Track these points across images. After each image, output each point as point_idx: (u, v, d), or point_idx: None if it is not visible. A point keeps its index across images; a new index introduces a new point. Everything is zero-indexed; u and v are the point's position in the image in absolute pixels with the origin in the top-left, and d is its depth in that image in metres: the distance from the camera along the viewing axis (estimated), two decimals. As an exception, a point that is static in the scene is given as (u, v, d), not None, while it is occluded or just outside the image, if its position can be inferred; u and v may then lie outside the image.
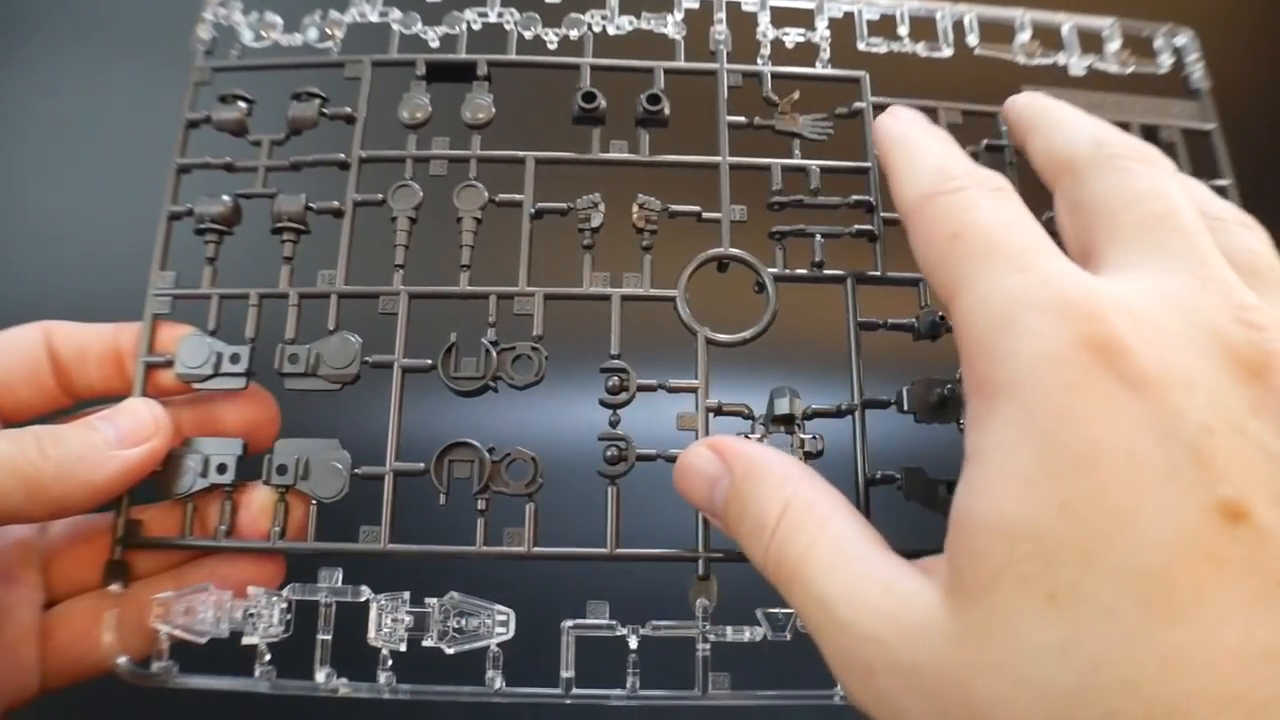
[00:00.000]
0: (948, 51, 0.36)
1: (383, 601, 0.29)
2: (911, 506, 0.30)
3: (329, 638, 0.29)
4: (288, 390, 0.31)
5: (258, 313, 0.32)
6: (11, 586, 0.30)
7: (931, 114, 0.34)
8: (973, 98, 0.35)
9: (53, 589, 0.30)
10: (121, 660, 0.29)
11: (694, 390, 0.31)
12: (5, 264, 0.49)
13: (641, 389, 0.31)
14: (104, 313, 0.33)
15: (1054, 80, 0.36)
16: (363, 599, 0.29)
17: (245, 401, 0.32)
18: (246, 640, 0.29)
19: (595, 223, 0.33)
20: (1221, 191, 0.35)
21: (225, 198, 0.33)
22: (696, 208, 0.33)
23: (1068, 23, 0.37)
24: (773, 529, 0.22)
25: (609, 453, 0.30)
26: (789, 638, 0.29)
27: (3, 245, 0.49)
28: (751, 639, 0.29)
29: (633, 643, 0.29)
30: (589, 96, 0.34)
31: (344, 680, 0.29)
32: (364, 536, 0.30)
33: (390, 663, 0.29)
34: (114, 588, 0.30)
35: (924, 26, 0.37)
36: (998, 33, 0.37)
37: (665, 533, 0.31)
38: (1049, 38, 0.37)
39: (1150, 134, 0.35)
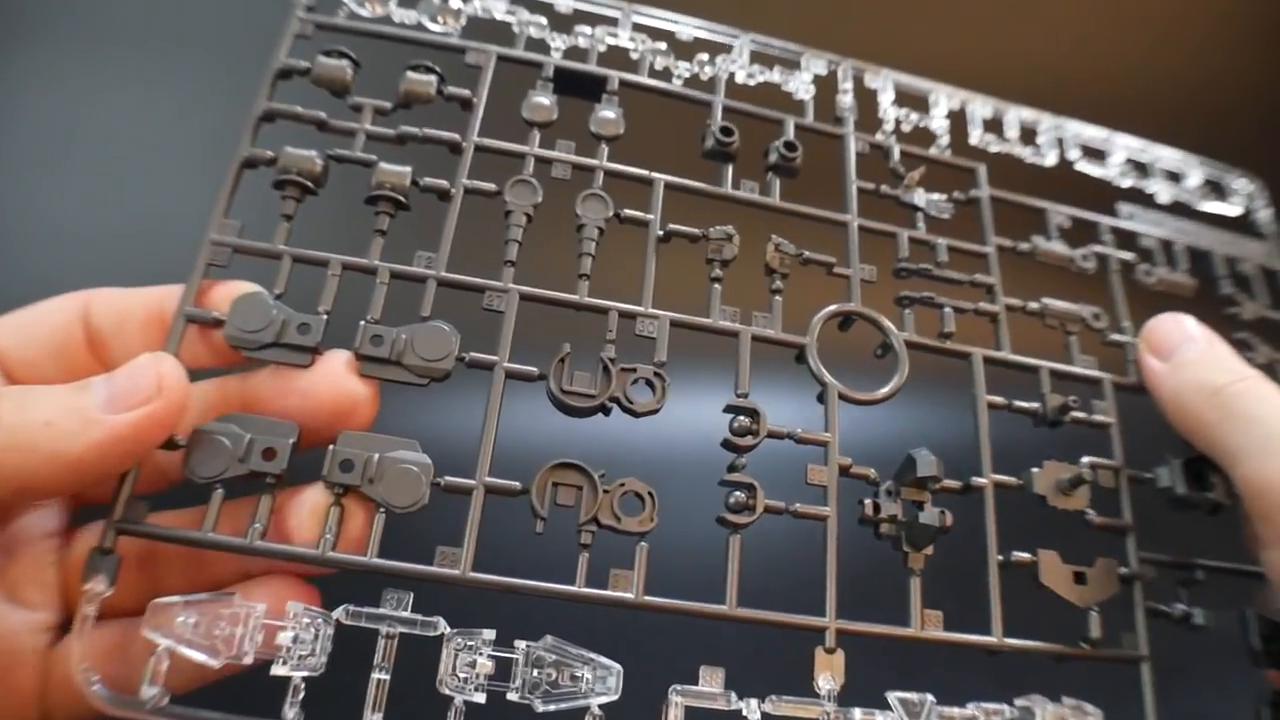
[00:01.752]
0: (1052, 160, 0.37)
1: (460, 640, 0.23)
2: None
3: (387, 677, 0.23)
4: (361, 376, 0.26)
5: (337, 284, 0.27)
6: (12, 608, 0.24)
7: (1040, 214, 0.35)
8: (1072, 202, 0.36)
9: (74, 611, 0.23)
10: (92, 682, 0.22)
11: (824, 445, 0.28)
12: (5, 264, 0.42)
13: (772, 436, 0.28)
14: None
15: (1144, 200, 0.38)
16: (437, 632, 0.23)
17: (332, 388, 0.26)
18: (277, 671, 0.23)
19: (727, 255, 0.30)
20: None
21: (315, 154, 0.29)
22: (831, 258, 0.31)
23: (1154, 159, 0.39)
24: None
25: (733, 499, 0.27)
26: (903, 727, 0.25)
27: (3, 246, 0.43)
28: (872, 726, 0.25)
29: (754, 717, 0.24)
30: (727, 130, 0.32)
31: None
32: (440, 559, 0.24)
33: (460, 715, 0.23)
34: (95, 584, 0.23)
35: (1029, 133, 0.38)
36: (1094, 154, 0.38)
37: (778, 595, 0.27)
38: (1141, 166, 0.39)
39: (1231, 264, 0.37)
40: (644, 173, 0.31)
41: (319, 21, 0.31)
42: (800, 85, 0.35)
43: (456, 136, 0.30)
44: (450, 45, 0.32)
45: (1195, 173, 0.39)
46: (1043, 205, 0.35)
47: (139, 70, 0.49)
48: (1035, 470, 0.30)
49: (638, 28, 0.35)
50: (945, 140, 0.36)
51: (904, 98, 0.37)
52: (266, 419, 0.25)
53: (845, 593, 0.27)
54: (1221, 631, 0.29)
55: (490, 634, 0.24)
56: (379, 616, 0.23)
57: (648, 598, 0.25)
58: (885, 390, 0.29)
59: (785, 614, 0.26)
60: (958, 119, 0.37)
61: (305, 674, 0.23)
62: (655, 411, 0.27)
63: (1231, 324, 0.36)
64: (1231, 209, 0.39)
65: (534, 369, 0.27)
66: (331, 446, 0.25)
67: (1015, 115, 0.38)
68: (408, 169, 0.29)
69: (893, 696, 0.25)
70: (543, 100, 0.32)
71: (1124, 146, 0.39)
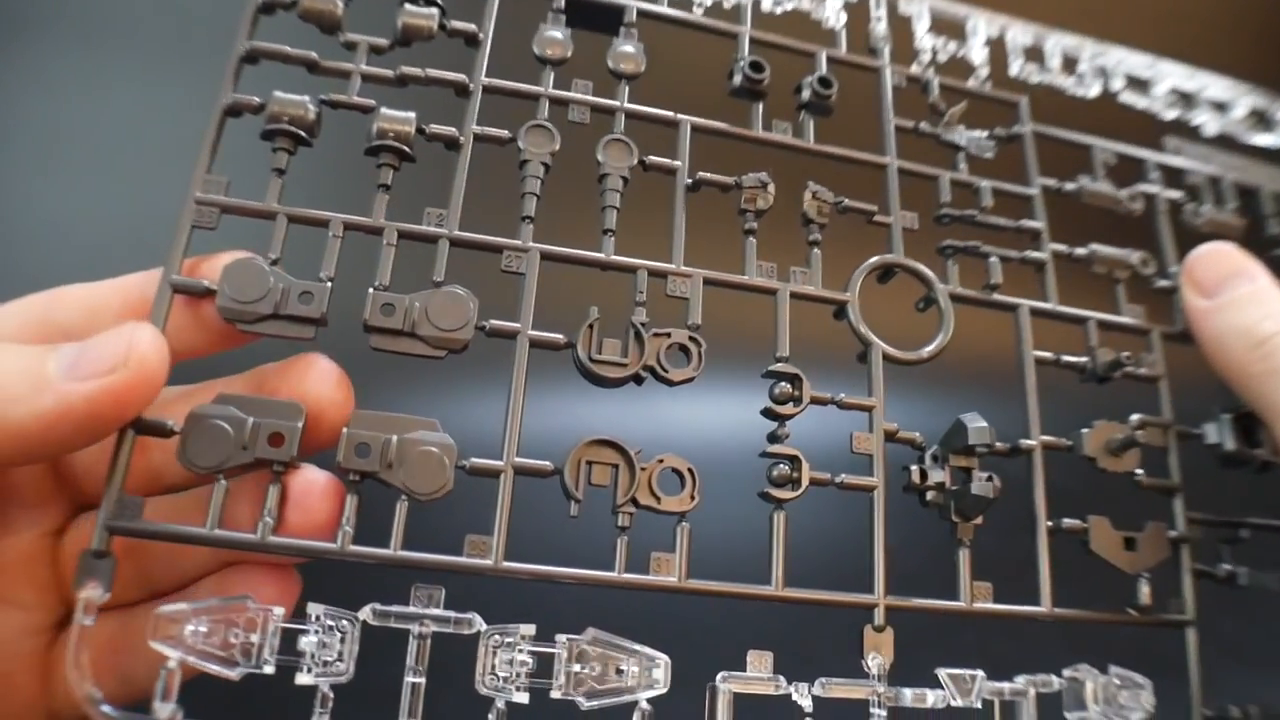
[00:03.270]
0: (1095, 90, 0.35)
1: (497, 636, 0.22)
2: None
3: (421, 680, 0.21)
4: (372, 350, 0.24)
5: (339, 247, 0.25)
6: (5, 609, 0.22)
7: (1086, 150, 0.33)
8: (1117, 136, 0.34)
9: (71, 608, 0.21)
10: (94, 697, 0.20)
11: (869, 410, 0.26)
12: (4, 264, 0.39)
13: (815, 402, 0.26)
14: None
15: (1189, 134, 0.36)
16: (474, 629, 0.22)
17: (321, 373, 0.24)
18: (301, 680, 0.21)
19: (761, 205, 0.28)
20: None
21: (306, 99, 0.26)
22: (872, 206, 0.29)
23: (1200, 88, 0.37)
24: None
25: (775, 472, 0.25)
26: (978, 705, 0.24)
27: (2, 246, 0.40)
28: (935, 705, 0.24)
29: (806, 704, 0.23)
30: (757, 66, 0.29)
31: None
32: (470, 548, 0.23)
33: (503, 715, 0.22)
34: (90, 590, 0.21)
35: (1071, 62, 0.35)
36: (1140, 85, 0.36)
37: (824, 571, 0.25)
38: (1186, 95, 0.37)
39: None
40: (669, 114, 0.29)
41: (300, -54, 0.28)
42: (831, 12, 0.32)
43: (463, 77, 0.27)
44: (449, -23, 0.29)
45: (1243, 102, 0.37)
46: (1089, 141, 0.33)
47: (127, 67, 0.46)
48: (1085, 431, 0.28)
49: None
50: (985, 72, 0.33)
51: (940, 25, 0.34)
52: (266, 399, 0.23)
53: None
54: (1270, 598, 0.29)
55: (530, 629, 0.22)
56: (410, 616, 0.22)
57: (691, 581, 0.24)
58: (931, 348, 0.28)
59: (833, 592, 0.25)
60: (996, 48, 0.34)
61: (334, 680, 0.21)
62: (691, 379, 0.26)
63: (1278, 267, 0.34)
64: (1276, 139, 0.37)
65: (560, 336, 0.25)
66: (345, 429, 0.23)
67: (1056, 42, 0.35)
68: (411, 115, 0.26)
69: (943, 674, 0.24)
70: (555, 34, 0.29)
71: (1170, 74, 0.36)
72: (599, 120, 0.28)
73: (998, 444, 0.27)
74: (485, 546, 0.23)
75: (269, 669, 0.21)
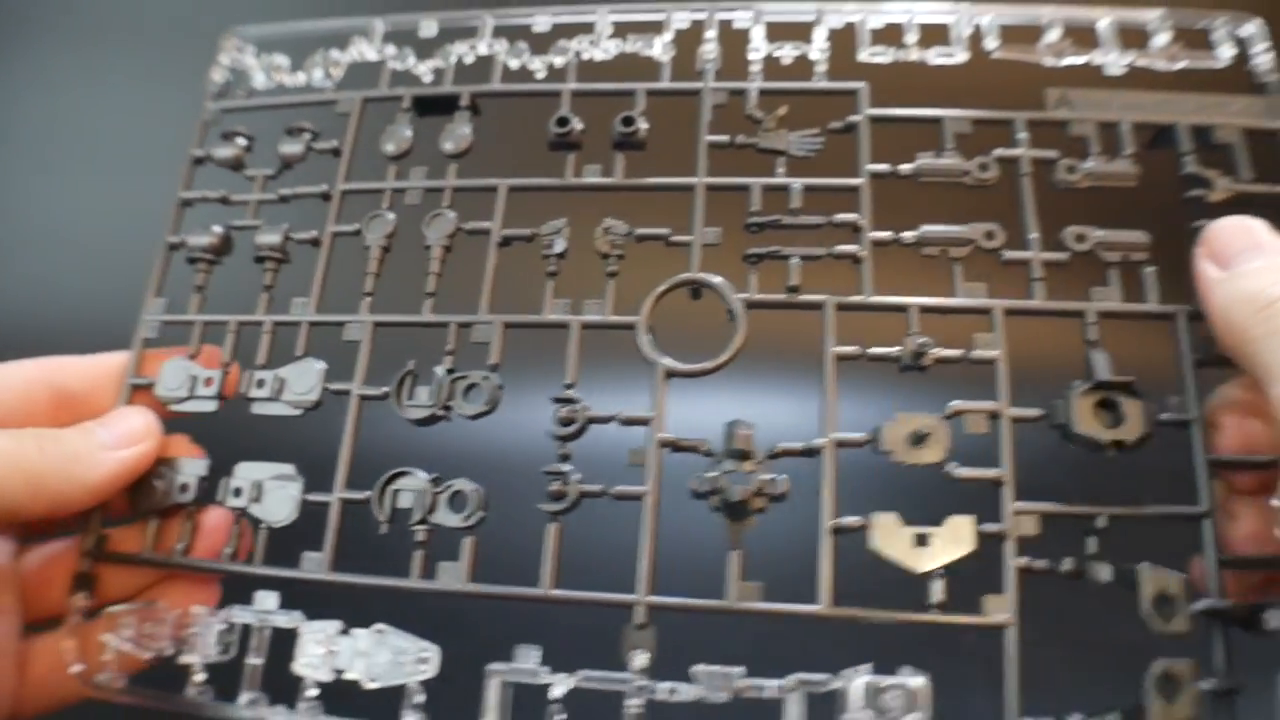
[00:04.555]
0: (962, 57, 0.33)
1: (310, 630, 0.28)
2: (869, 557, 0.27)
3: (260, 662, 0.28)
4: (253, 414, 0.32)
5: (235, 339, 0.33)
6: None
7: (936, 124, 0.32)
8: (978, 104, 0.32)
9: (29, 614, 0.31)
10: (76, 668, 0.30)
11: (646, 423, 0.29)
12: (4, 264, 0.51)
13: (593, 421, 0.29)
14: (101, 313, 0.34)
15: (1086, 81, 0.32)
16: (293, 625, 0.28)
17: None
18: (183, 659, 0.29)
19: (558, 249, 0.31)
20: (1287, 203, 0.29)
21: (216, 228, 0.34)
22: (665, 230, 0.31)
23: (1106, 18, 0.33)
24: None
25: (551, 488, 0.29)
26: (727, 698, 0.26)
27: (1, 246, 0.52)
28: (685, 699, 0.26)
29: (556, 692, 0.26)
30: (561, 121, 0.33)
31: (275, 708, 0.28)
32: (307, 563, 0.29)
33: (314, 693, 0.28)
34: (80, 598, 0.31)
35: (935, 32, 0.33)
36: (1021, 36, 0.33)
37: (614, 575, 0.28)
38: (1083, 37, 0.33)
39: (1202, 135, 0.30)
40: (487, 182, 0.33)
41: (223, 107, 0.37)
42: (659, 47, 0.34)
43: (325, 187, 0.34)
44: (324, 101, 0.36)
45: (1162, 27, 0.32)
46: (937, 114, 0.32)
47: (136, 73, 0.57)
48: (885, 424, 0.28)
49: (499, 31, 0.36)
50: (824, 69, 0.33)
51: (781, 31, 0.34)
52: (186, 459, 0.32)
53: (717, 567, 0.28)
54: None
55: (335, 625, 0.28)
56: (248, 613, 0.29)
57: (470, 586, 0.28)
58: (716, 361, 0.29)
59: (597, 593, 0.28)
60: (847, 38, 0.34)
61: (207, 660, 0.29)
62: (487, 413, 0.30)
63: (1195, 211, 0.30)
64: (1215, 61, 0.32)
65: (384, 389, 0.31)
66: (226, 478, 0.31)
67: (916, 16, 0.33)
68: (282, 228, 0.34)
69: (697, 669, 0.26)
70: (403, 131, 0.35)
71: (1061, 20, 0.33)
72: (439, 197, 0.33)
73: (787, 444, 0.28)
74: (319, 561, 0.29)
75: (169, 652, 0.29)
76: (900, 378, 0.30)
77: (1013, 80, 0.33)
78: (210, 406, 0.32)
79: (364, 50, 0.37)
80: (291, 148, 0.35)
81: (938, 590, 0.26)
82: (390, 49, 0.36)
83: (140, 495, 0.31)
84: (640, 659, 0.27)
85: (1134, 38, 0.32)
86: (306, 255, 0.34)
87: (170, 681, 0.29)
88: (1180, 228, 0.30)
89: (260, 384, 0.32)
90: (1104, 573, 0.26)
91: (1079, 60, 0.32)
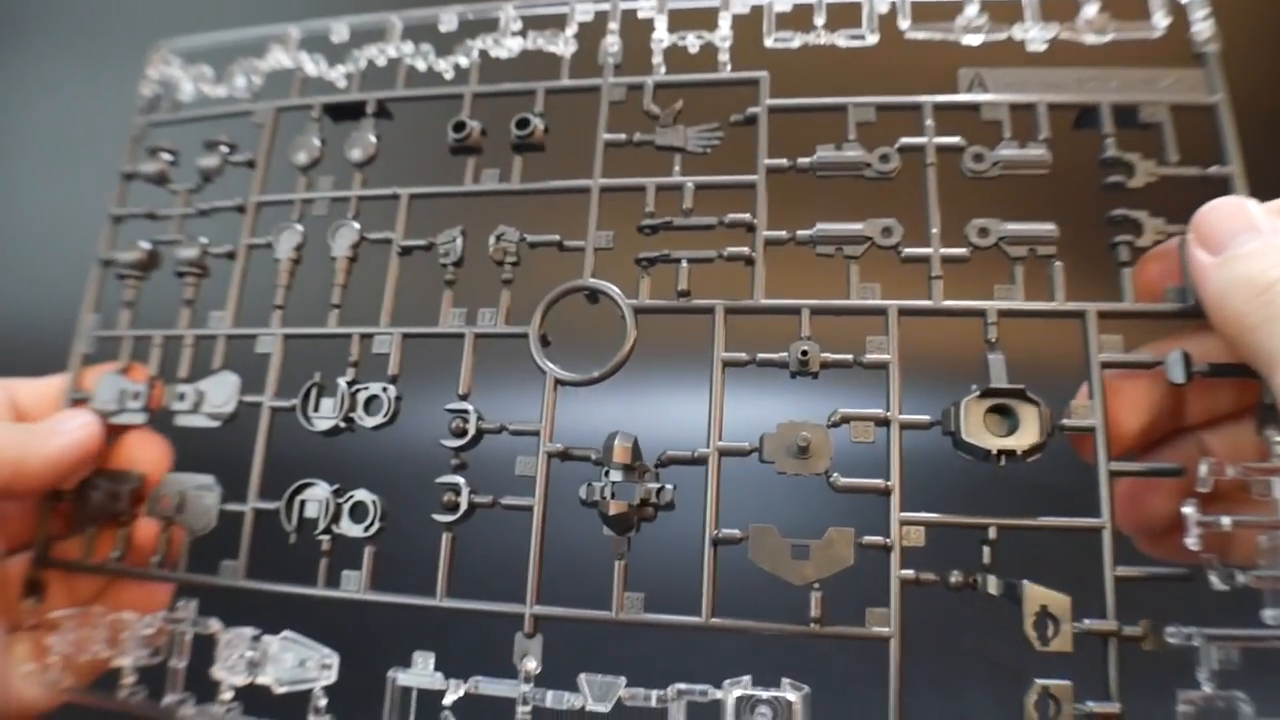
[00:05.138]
0: (872, 39, 0.31)
1: (228, 635, 0.30)
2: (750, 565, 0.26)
3: (183, 665, 0.30)
4: (175, 426, 0.33)
5: (161, 353, 0.34)
6: None
7: (840, 111, 0.30)
8: (895, 91, 0.30)
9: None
10: (26, 669, 0.32)
11: (535, 434, 0.29)
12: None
13: (484, 431, 0.29)
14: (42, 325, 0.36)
15: (1008, 61, 0.30)
16: (210, 631, 0.30)
17: (147, 442, 0.34)
18: (116, 661, 0.31)
19: (454, 257, 0.31)
20: (1224, 182, 0.27)
21: (143, 244, 0.35)
22: (556, 236, 0.31)
23: (1024, -8, 0.31)
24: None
25: (445, 498, 0.29)
26: (607, 709, 0.26)
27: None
28: (570, 706, 0.27)
29: (447, 699, 0.27)
30: (459, 126, 0.32)
31: (197, 709, 0.30)
32: (224, 571, 0.31)
33: (230, 695, 0.29)
34: (30, 603, 0.33)
35: (845, 14, 0.32)
36: (936, 13, 0.31)
37: (515, 590, 0.29)
38: (1002, 11, 0.31)
39: (1128, 115, 0.29)
40: (389, 191, 0.33)
41: (150, 121, 0.37)
42: (562, 43, 0.34)
43: (240, 201, 0.35)
44: (241, 112, 0.36)
45: (1088, -3, 0.30)
46: (838, 102, 0.30)
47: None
48: (767, 434, 0.27)
49: (407, 33, 0.36)
50: (727, 58, 0.32)
51: (685, 19, 0.33)
52: (121, 472, 0.33)
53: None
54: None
55: (249, 631, 0.29)
56: (171, 619, 0.30)
57: (369, 594, 0.29)
58: (603, 370, 0.29)
59: (487, 603, 0.28)
60: (754, 24, 0.32)
61: (138, 663, 0.30)
62: (387, 424, 0.30)
63: (1113, 198, 0.28)
64: (1150, 31, 0.29)
65: (292, 401, 0.31)
66: (155, 489, 0.32)
67: (822, -3, 0.32)
68: (199, 242, 0.34)
69: (582, 678, 0.27)
70: (312, 141, 0.35)
71: (976, -10, 0.31)
72: (346, 207, 0.34)
73: (674, 452, 0.28)
74: (234, 569, 0.31)
75: (102, 652, 0.31)
76: (799, 382, 0.29)
77: (928, 64, 0.31)
78: (140, 419, 0.33)
79: (280, 58, 0.37)
80: (209, 161, 0.35)
81: (814, 603, 0.26)
82: (304, 56, 0.36)
83: (80, 509, 0.33)
84: (529, 666, 0.27)
85: (1061, 9, 0.30)
86: (227, 267, 0.35)
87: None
88: (1098, 217, 0.28)
89: (181, 397, 0.33)
90: (994, 586, 0.25)
91: (999, 37, 0.30)
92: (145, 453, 0.33)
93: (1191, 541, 0.24)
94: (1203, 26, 0.29)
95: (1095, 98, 0.29)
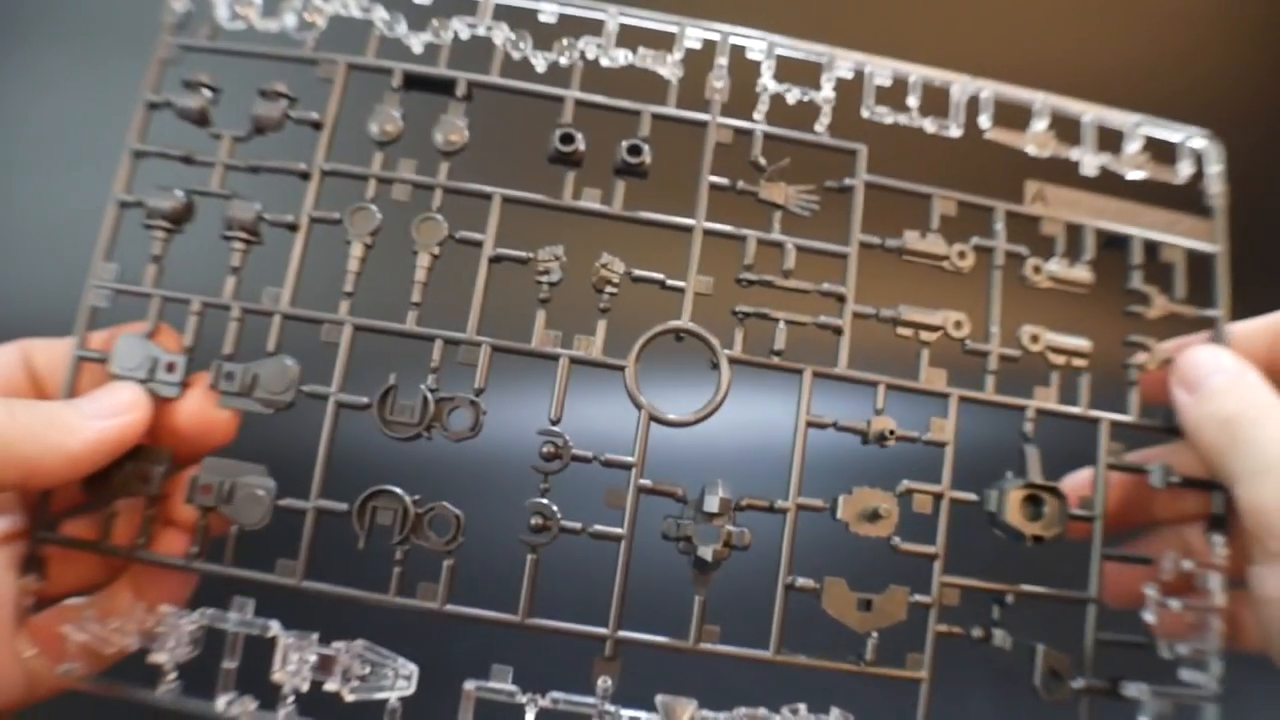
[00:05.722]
0: (957, 131, 0.34)
1: (291, 640, 0.29)
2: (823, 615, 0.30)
3: (234, 666, 0.29)
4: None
5: (199, 321, 0.31)
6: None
7: (925, 200, 0.33)
8: (970, 186, 0.34)
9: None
10: (28, 654, 0.29)
11: (628, 467, 0.30)
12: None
13: (576, 459, 0.30)
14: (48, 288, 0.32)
15: (1062, 177, 0.34)
16: (270, 634, 0.29)
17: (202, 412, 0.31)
18: (153, 658, 0.29)
19: (554, 278, 0.31)
20: (1210, 322, 0.33)
21: (178, 192, 0.32)
22: (660, 275, 0.32)
23: (1089, 113, 0.35)
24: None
25: (533, 521, 0.30)
26: (679, 728, 0.29)
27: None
28: (646, 725, 0.29)
29: (530, 714, 0.29)
30: (567, 138, 0.32)
31: (249, 710, 0.29)
32: (280, 569, 0.30)
33: (291, 700, 0.29)
34: (30, 579, 0.30)
35: (934, 99, 0.34)
36: (1012, 117, 0.34)
37: (581, 608, 0.31)
38: (1065, 129, 0.35)
39: (1151, 251, 0.34)
40: (482, 188, 0.32)
41: (183, 44, 0.33)
42: (668, 66, 0.34)
43: (304, 166, 0.32)
44: (304, 58, 0.33)
45: (1137, 133, 0.34)
46: (927, 190, 0.33)
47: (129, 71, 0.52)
48: (843, 496, 0.31)
49: (499, 13, 0.34)
50: (828, 119, 0.34)
51: (789, 69, 0.34)
52: (149, 448, 0.30)
53: (671, 606, 0.30)
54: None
55: (315, 636, 0.29)
56: (226, 618, 0.29)
57: (448, 606, 0.30)
58: (698, 412, 0.31)
59: (570, 624, 0.30)
60: (851, 90, 0.34)
61: (177, 659, 0.29)
62: (470, 438, 0.31)
63: (1130, 325, 0.33)
64: (1174, 176, 0.35)
65: (364, 399, 0.30)
66: (193, 474, 0.30)
67: (919, 77, 0.34)
68: (255, 206, 0.31)
69: (660, 699, 0.29)
70: (392, 112, 0.32)
71: (1049, 109, 0.34)
72: (423, 194, 0.32)
73: (754, 499, 0.31)
74: (292, 568, 0.30)
75: (131, 644, 0.29)
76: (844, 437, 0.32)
77: (995, 161, 0.34)
78: (172, 393, 0.31)
79: (348, 2, 0.33)
80: (268, 111, 0.32)
81: (870, 648, 0.30)
82: (380, 10, 0.33)
83: (99, 486, 0.30)
84: (605, 685, 0.30)
85: (1110, 140, 0.35)
86: (276, 236, 0.32)
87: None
88: (1119, 334, 0.34)
89: (229, 376, 0.31)
90: (1005, 641, 0.31)
91: (1060, 154, 0.34)
92: (209, 431, 0.31)
93: (1149, 616, 0.31)
94: (1213, 182, 0.35)
95: (1132, 230, 0.34)
